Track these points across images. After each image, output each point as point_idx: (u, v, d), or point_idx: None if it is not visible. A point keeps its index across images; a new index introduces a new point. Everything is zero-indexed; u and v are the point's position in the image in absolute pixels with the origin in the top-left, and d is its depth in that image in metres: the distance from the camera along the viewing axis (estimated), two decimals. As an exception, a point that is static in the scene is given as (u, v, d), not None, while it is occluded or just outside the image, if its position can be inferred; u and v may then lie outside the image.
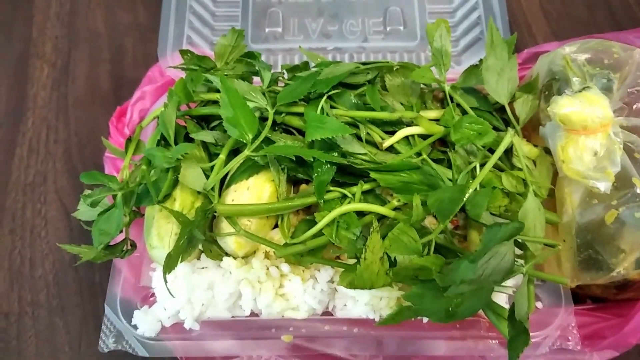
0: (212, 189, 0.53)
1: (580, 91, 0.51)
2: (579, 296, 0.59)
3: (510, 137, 0.52)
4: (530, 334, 0.52)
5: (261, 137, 0.52)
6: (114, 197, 0.53)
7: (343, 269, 0.51)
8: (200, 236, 0.50)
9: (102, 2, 0.89)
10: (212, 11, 0.82)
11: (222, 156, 0.53)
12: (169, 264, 0.50)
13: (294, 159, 0.54)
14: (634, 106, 0.52)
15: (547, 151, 0.55)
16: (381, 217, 0.53)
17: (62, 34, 0.85)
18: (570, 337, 0.53)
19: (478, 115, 0.58)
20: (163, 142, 0.57)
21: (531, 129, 0.60)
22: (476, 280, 0.48)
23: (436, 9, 0.82)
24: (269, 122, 0.53)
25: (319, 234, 0.51)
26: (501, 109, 0.58)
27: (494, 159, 0.52)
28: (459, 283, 0.47)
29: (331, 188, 0.53)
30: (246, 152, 0.51)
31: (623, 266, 0.52)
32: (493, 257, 0.48)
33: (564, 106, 0.50)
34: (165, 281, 0.50)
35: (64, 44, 0.85)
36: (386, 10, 0.83)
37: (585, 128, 0.50)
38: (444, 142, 0.59)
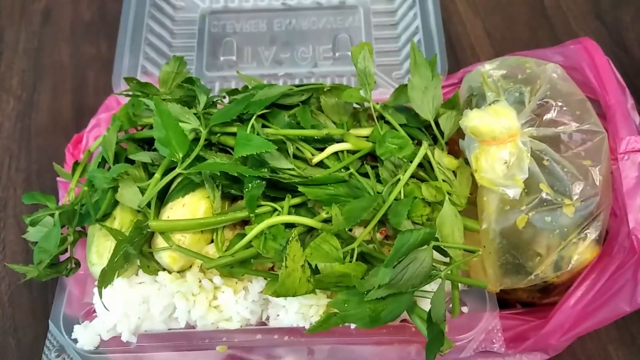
0: (149, 206, 0.56)
1: (490, 105, 0.55)
2: (509, 302, 0.61)
3: (424, 149, 0.55)
4: (455, 337, 0.55)
5: (192, 156, 0.55)
6: (53, 216, 0.56)
7: (270, 279, 0.54)
8: (133, 251, 0.53)
9: (68, 37, 0.93)
10: (169, 42, 0.86)
11: (157, 175, 0.56)
12: (104, 279, 0.52)
13: (228, 175, 0.57)
14: (544, 117, 0.55)
15: (469, 162, 0.58)
16: (311, 230, 0.56)
17: (28, 68, 0.90)
18: (495, 340, 0.55)
19: (407, 132, 0.61)
20: (106, 163, 0.60)
21: (459, 143, 0.63)
22: (394, 284, 0.50)
23: (381, 35, 0.86)
24: (201, 141, 0.56)
25: (249, 245, 0.54)
26: (430, 126, 0.61)
27: (411, 169, 0.55)
28: (378, 287, 0.50)
29: (262, 202, 0.56)
30: (177, 170, 0.54)
31: (540, 269, 0.54)
32: (411, 263, 0.50)
33: (473, 119, 0.53)
34: (100, 295, 0.52)
35: (29, 77, 0.89)
36: (335, 37, 0.87)
37: (494, 139, 0.53)
38: (375, 159, 0.62)
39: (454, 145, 0.63)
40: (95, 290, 0.58)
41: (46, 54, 0.91)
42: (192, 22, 0.89)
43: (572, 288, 0.54)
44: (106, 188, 0.57)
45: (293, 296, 0.51)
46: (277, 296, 0.51)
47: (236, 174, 0.54)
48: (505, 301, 0.61)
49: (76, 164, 0.63)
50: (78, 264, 0.60)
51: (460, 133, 0.61)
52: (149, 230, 0.55)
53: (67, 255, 0.59)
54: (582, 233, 0.54)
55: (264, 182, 0.56)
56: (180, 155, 0.54)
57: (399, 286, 0.50)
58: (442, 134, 0.61)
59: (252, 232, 0.53)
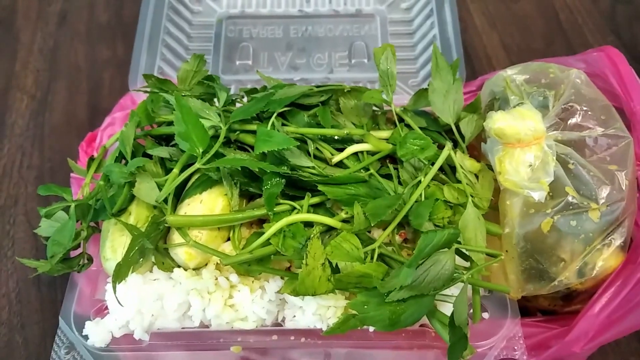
0: (165, 201, 0.55)
1: (514, 107, 0.54)
2: (529, 309, 0.60)
3: (448, 150, 0.54)
4: (476, 343, 0.53)
5: (212, 151, 0.54)
6: (69, 209, 0.55)
7: (288, 278, 0.53)
8: (150, 246, 0.52)
9: (83, 38, 0.93)
10: (185, 45, 0.86)
11: (176, 170, 0.55)
12: (119, 274, 0.51)
13: (247, 173, 0.56)
14: (569, 121, 0.55)
15: (490, 167, 0.57)
16: (331, 229, 0.55)
17: (43, 68, 0.90)
18: (516, 347, 0.53)
19: (427, 135, 0.60)
20: (122, 159, 0.60)
21: (480, 148, 0.62)
22: (416, 286, 0.49)
23: (398, 43, 0.86)
24: (221, 138, 0.56)
25: (267, 243, 0.53)
26: (451, 130, 0.61)
27: (433, 170, 0.54)
28: (399, 289, 0.49)
29: (281, 201, 0.55)
30: (197, 165, 0.54)
31: (564, 275, 0.53)
32: (433, 265, 0.49)
33: (497, 120, 0.53)
34: (115, 290, 0.51)
35: (44, 77, 0.89)
36: (352, 44, 0.87)
37: (519, 141, 0.53)
38: (395, 160, 0.61)
39: (473, 151, 0.62)
40: (108, 286, 0.57)
41: (62, 55, 0.91)
42: (209, 26, 0.89)
43: (597, 295, 0.53)
44: (122, 183, 0.57)
45: (312, 295, 0.50)
46: (296, 295, 0.50)
47: (257, 170, 0.53)
48: (525, 308, 0.59)
49: (91, 159, 0.62)
50: (90, 260, 0.59)
51: (479, 138, 0.60)
52: (165, 225, 0.54)
53: (79, 251, 0.58)
54: (607, 239, 0.53)
55: (283, 180, 0.55)
56: (200, 150, 0.53)
57: (420, 288, 0.49)
58: (462, 137, 0.60)
59: (271, 229, 0.52)
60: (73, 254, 0.58)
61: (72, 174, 0.69)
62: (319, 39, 0.88)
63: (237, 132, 0.59)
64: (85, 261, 0.58)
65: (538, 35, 0.93)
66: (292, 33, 0.89)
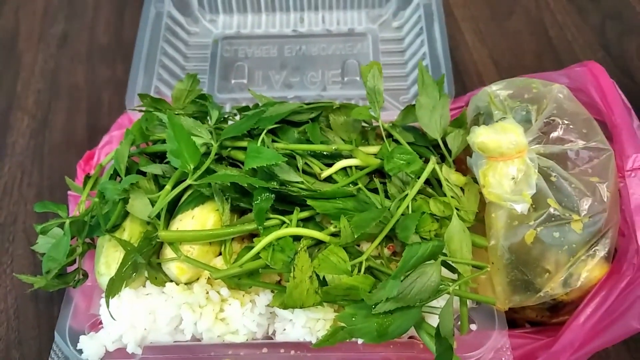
0: (158, 217, 0.56)
1: (497, 121, 0.55)
2: (517, 321, 0.60)
3: (432, 164, 0.55)
4: (464, 355, 0.54)
5: (203, 167, 0.55)
6: (63, 226, 0.56)
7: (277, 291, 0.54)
8: (142, 260, 0.53)
9: (84, 59, 0.96)
10: (182, 65, 0.88)
11: (168, 186, 0.57)
12: (112, 289, 0.53)
13: (238, 188, 0.58)
14: (551, 135, 0.56)
15: (476, 180, 0.59)
16: (319, 243, 0.56)
17: (44, 88, 0.92)
18: (504, 358, 0.54)
19: (415, 150, 0.62)
20: (117, 176, 0.61)
21: (467, 161, 0.63)
22: (402, 298, 0.50)
23: (389, 60, 0.88)
24: (212, 154, 0.57)
25: (257, 257, 0.54)
26: (438, 145, 0.62)
27: (419, 183, 0.55)
28: (386, 300, 0.50)
29: (271, 215, 0.57)
30: (188, 181, 0.55)
31: (549, 286, 0.53)
32: (419, 277, 0.50)
33: (480, 135, 0.54)
34: (108, 305, 0.52)
35: (45, 97, 0.91)
36: (344, 63, 0.89)
37: (502, 154, 0.54)
38: (383, 175, 0.62)
39: (461, 165, 0.63)
40: (102, 301, 0.58)
41: (62, 76, 0.94)
42: (205, 46, 0.92)
43: (582, 306, 0.53)
44: (117, 199, 0.58)
45: (300, 308, 0.51)
46: (285, 308, 0.51)
47: (246, 185, 0.55)
48: (514, 320, 0.60)
49: (87, 177, 0.64)
50: (86, 275, 0.60)
51: (466, 152, 0.61)
52: (158, 240, 0.55)
53: (75, 266, 0.59)
54: (590, 250, 0.53)
55: (272, 195, 0.56)
56: (192, 167, 0.55)
57: (407, 300, 0.50)
58: (449, 152, 0.61)
59: (261, 243, 0.53)
60: (69, 269, 0.59)
61: (69, 192, 0.70)
62: (313, 57, 0.90)
63: (229, 149, 0.61)
64: (81, 277, 0.59)
65: (528, 52, 0.94)
66: (287, 52, 0.91)
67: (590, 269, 0.54)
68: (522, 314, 0.58)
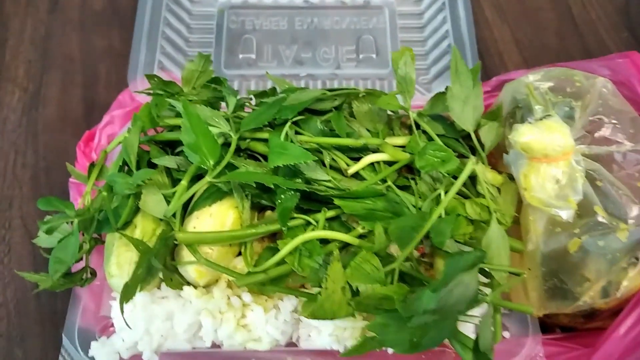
0: (174, 215, 0.52)
1: (541, 119, 0.52)
2: (547, 325, 0.58)
3: (472, 165, 0.52)
4: (497, 364, 0.52)
5: (223, 163, 0.51)
6: (72, 224, 0.52)
7: (305, 299, 0.50)
8: (158, 265, 0.49)
9: (77, 27, 0.89)
10: (186, 37, 0.82)
11: (184, 182, 0.52)
12: (126, 294, 0.49)
13: (258, 185, 0.54)
14: (596, 134, 0.52)
15: (512, 178, 0.55)
16: (346, 245, 0.53)
17: (35, 58, 0.85)
18: (537, 368, 0.52)
19: (444, 142, 0.58)
20: (126, 167, 0.56)
21: (498, 156, 0.60)
22: (439, 310, 0.47)
23: (408, 37, 0.83)
24: (232, 148, 0.53)
25: (282, 262, 0.50)
26: (468, 136, 0.58)
27: (456, 186, 0.51)
28: (422, 313, 0.47)
29: (295, 215, 0.53)
30: (207, 178, 0.51)
31: (589, 295, 0.51)
32: (456, 287, 0.47)
33: (524, 134, 0.50)
34: (122, 311, 0.49)
35: (36, 68, 0.84)
36: (359, 38, 0.84)
37: (546, 156, 0.50)
38: (410, 169, 0.59)
39: (490, 159, 0.60)
40: (113, 303, 0.55)
41: (54, 45, 0.87)
42: (210, 16, 0.85)
43: (621, 316, 0.51)
44: (126, 194, 0.54)
45: (332, 319, 0.48)
46: (315, 318, 0.48)
47: (272, 186, 0.51)
48: (543, 324, 0.58)
49: (92, 165, 0.59)
50: (94, 274, 0.56)
51: (498, 146, 0.58)
52: (175, 242, 0.51)
53: (81, 264, 0.55)
54: (632, 258, 0.51)
55: (298, 194, 0.52)
56: (212, 163, 0.50)
57: (443, 312, 0.47)
58: (482, 146, 0.58)
59: (286, 248, 0.49)
60: (75, 267, 0.55)
61: (71, 179, 0.65)
62: (325, 31, 0.85)
63: (247, 140, 0.56)
64: (89, 275, 0.55)
65: (550, 31, 0.90)
66: (297, 25, 0.85)
67: (632, 278, 0.51)
68: (554, 319, 0.56)
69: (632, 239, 0.50)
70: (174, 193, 0.52)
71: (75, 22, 0.89)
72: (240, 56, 0.82)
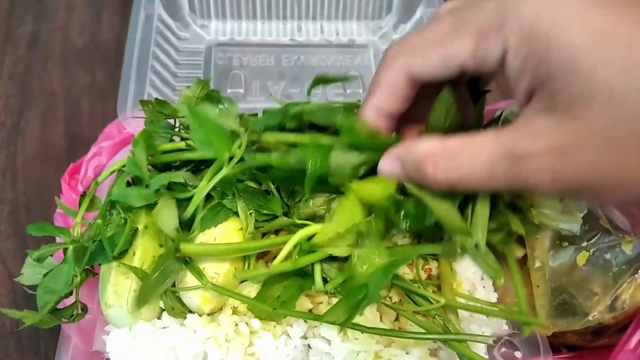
0: (189, 224, 0.50)
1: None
2: (554, 346, 0.58)
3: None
4: (512, 385, 0.51)
5: (238, 155, 0.49)
6: (65, 252, 0.49)
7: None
8: (163, 288, 0.47)
9: (58, 63, 0.87)
10: (174, 72, 0.82)
11: (205, 181, 0.50)
12: (142, 296, 0.47)
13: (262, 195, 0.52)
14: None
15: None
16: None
17: (13, 93, 0.83)
18: (552, 388, 0.51)
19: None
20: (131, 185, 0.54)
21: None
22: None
23: (393, 72, 0.85)
24: (244, 143, 0.50)
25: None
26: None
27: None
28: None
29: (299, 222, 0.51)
30: (225, 170, 0.48)
31: (597, 310, 0.51)
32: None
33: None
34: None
35: (15, 103, 0.82)
36: (346, 74, 0.85)
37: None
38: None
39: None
40: (106, 337, 0.51)
41: (34, 80, 0.85)
42: (197, 53, 0.85)
43: (631, 329, 0.51)
44: (123, 222, 0.51)
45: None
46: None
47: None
48: (550, 345, 0.57)
49: (83, 195, 0.56)
50: (85, 310, 0.52)
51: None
52: (179, 255, 0.48)
53: (71, 299, 0.51)
54: (636, 272, 0.52)
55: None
56: (227, 155, 0.48)
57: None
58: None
59: (290, 242, 0.47)
60: (63, 303, 0.51)
61: (57, 210, 0.62)
62: (312, 68, 0.86)
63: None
64: (79, 311, 0.51)
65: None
66: (284, 62, 0.87)
67: (634, 291, 0.52)
68: (561, 338, 0.56)
69: (636, 251, 0.51)
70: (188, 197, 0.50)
71: (56, 58, 0.88)
72: (229, 91, 0.82)
